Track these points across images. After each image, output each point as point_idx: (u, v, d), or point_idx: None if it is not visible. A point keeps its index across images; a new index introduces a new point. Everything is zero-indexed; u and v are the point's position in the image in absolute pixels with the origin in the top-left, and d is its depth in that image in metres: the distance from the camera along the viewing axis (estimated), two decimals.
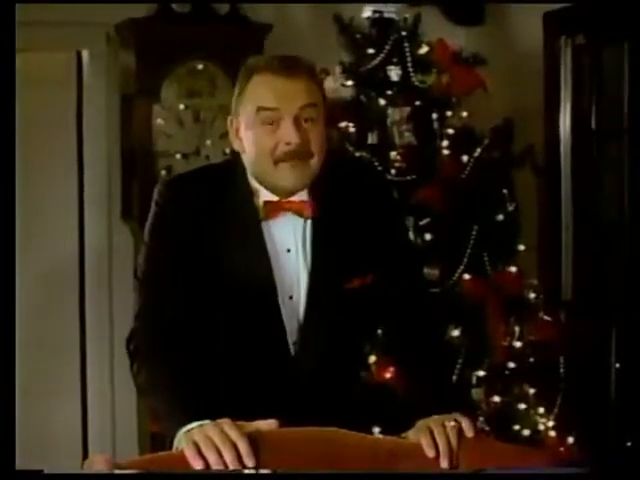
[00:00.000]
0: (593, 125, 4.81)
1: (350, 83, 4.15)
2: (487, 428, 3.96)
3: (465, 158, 4.14)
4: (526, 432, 4.10)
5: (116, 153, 4.78)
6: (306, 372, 2.29)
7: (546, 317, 4.21)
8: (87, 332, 4.85)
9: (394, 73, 4.10)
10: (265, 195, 2.27)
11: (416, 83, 4.13)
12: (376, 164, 4.01)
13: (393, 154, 4.06)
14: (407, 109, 4.09)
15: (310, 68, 2.27)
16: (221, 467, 1.87)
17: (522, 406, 4.11)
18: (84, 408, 4.89)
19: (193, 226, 2.26)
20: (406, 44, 4.14)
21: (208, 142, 4.75)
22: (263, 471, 1.88)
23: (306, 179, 2.25)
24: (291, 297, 2.28)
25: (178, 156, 4.79)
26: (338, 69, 4.17)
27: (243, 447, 1.89)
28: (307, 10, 4.87)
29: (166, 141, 4.81)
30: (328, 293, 2.30)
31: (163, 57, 4.64)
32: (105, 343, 4.73)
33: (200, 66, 4.74)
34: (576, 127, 4.81)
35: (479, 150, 4.16)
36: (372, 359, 3.77)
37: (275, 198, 2.27)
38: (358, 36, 4.19)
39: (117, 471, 1.84)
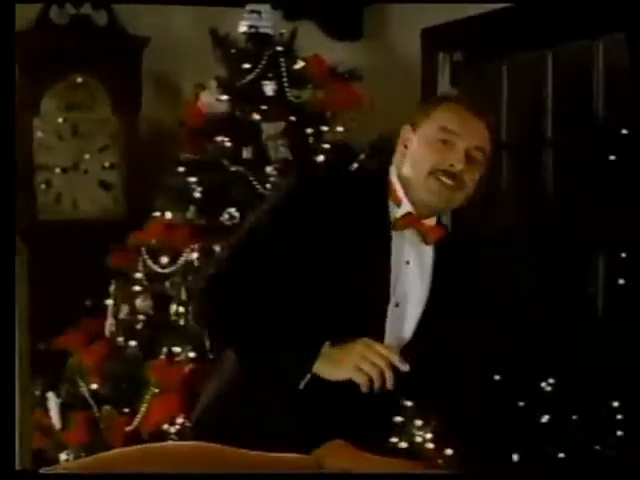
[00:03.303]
0: None
1: (225, 98, 4.15)
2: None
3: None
4: (403, 444, 4.10)
5: None
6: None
7: None
8: None
9: (269, 88, 4.11)
10: (405, 206, 2.47)
11: (291, 98, 4.15)
12: (251, 179, 4.02)
13: (269, 169, 4.07)
14: (282, 124, 4.09)
15: (490, 120, 2.53)
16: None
17: (399, 419, 4.11)
18: None
19: (323, 223, 2.40)
20: (282, 59, 4.15)
21: (87, 156, 4.72)
22: None
23: (446, 204, 2.48)
24: (397, 305, 2.48)
25: (57, 170, 4.76)
26: (213, 83, 4.17)
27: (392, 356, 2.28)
28: (185, 23, 4.86)
29: (45, 154, 4.78)
30: (440, 315, 2.55)
31: (43, 70, 4.63)
32: None
33: (80, 79, 4.72)
34: None
35: (355, 165, 4.18)
36: None
37: (412, 210, 2.47)
38: (233, 51, 4.19)
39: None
